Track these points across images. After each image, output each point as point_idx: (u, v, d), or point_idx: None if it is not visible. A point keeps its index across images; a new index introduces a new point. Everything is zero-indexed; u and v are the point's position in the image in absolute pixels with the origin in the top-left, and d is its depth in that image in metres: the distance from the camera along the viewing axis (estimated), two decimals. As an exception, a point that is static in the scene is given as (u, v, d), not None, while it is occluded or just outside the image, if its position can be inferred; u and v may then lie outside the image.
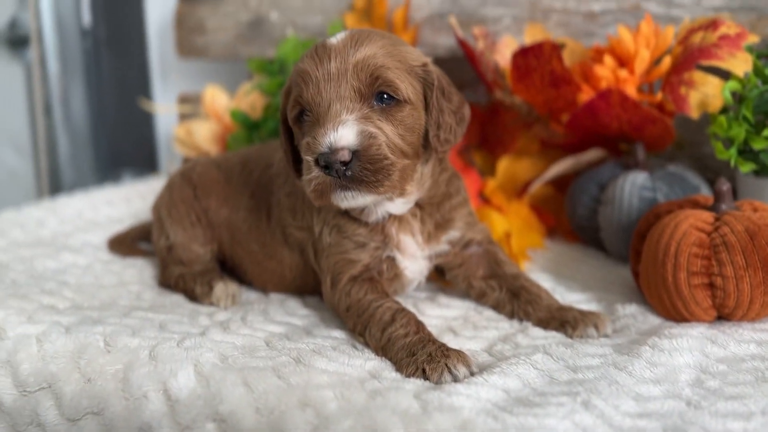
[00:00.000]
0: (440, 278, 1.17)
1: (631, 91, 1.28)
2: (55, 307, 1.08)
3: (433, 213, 1.05)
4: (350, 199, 0.91)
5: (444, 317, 1.06)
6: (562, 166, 1.38)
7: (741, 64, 1.19)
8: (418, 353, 0.87)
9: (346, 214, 1.03)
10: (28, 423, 0.91)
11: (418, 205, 1.04)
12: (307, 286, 1.15)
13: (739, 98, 1.19)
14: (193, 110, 1.99)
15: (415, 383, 0.83)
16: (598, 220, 1.30)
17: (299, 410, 0.76)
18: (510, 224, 1.36)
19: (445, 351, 0.87)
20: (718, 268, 0.95)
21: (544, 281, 1.17)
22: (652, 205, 1.21)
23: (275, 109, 1.63)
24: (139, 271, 1.30)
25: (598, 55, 1.34)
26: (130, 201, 1.76)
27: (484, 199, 1.44)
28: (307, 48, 1.63)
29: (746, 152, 1.19)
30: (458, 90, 1.05)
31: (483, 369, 0.86)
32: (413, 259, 1.05)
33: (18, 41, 2.32)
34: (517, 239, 1.33)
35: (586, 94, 1.31)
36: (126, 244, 1.42)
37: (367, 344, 0.95)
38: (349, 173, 0.88)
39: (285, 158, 1.06)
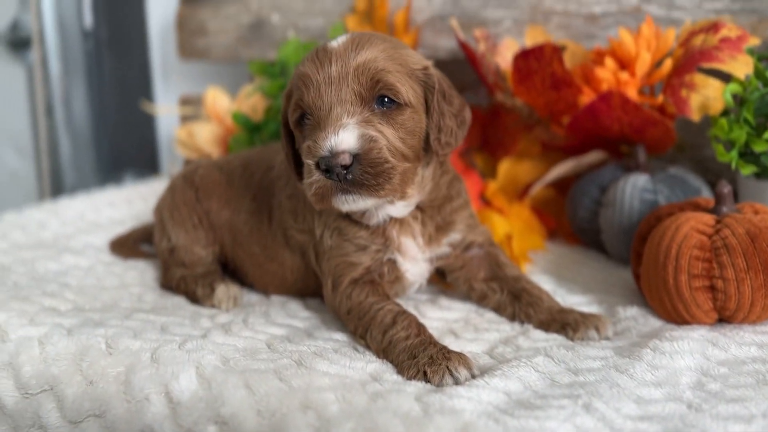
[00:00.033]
0: (441, 280, 1.17)
1: (632, 93, 1.28)
2: (56, 309, 1.08)
3: (434, 215, 1.05)
4: (351, 203, 0.91)
5: (445, 319, 1.06)
6: (563, 169, 1.38)
7: (742, 67, 1.20)
8: (419, 356, 0.87)
9: (347, 216, 1.03)
10: (30, 425, 0.91)
11: (419, 207, 1.04)
12: (308, 289, 1.15)
13: (740, 101, 1.19)
14: (195, 112, 1.99)
15: (416, 386, 0.83)
16: (599, 222, 1.30)
17: (301, 413, 0.76)
18: (511, 226, 1.36)
19: (446, 353, 0.87)
20: (719, 271, 0.95)
21: (545, 283, 1.17)
22: (653, 208, 1.21)
23: (276, 112, 1.63)
24: (140, 273, 1.30)
25: (599, 58, 1.34)
26: (132, 203, 1.76)
27: (485, 201, 1.44)
28: (308, 50, 1.64)
29: (747, 155, 1.19)
30: (459, 92, 1.05)
31: (484, 371, 0.86)
32: (414, 261, 1.05)
33: (20, 43, 2.32)
34: (518, 241, 1.33)
35: (587, 97, 1.31)
36: (128, 245, 1.43)
37: (368, 347, 0.96)
38: (350, 177, 0.89)
39: (286, 161, 1.06)
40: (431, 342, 0.90)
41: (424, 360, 0.86)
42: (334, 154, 0.88)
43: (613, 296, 1.13)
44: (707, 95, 1.21)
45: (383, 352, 0.92)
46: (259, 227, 1.17)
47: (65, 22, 2.21)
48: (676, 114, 1.25)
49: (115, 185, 2.02)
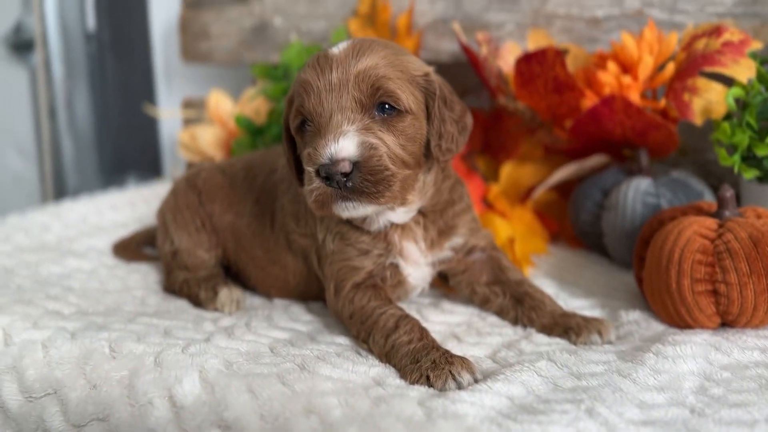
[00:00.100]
0: (444, 284, 1.17)
1: (634, 97, 1.28)
2: (60, 313, 1.08)
3: (436, 220, 1.05)
4: (351, 210, 0.92)
5: (448, 323, 1.06)
6: (565, 172, 1.38)
7: (744, 71, 1.20)
8: (422, 360, 0.87)
9: (349, 221, 1.03)
10: (33, 429, 0.91)
11: (421, 212, 1.04)
12: (310, 292, 1.15)
13: (742, 105, 1.19)
14: (198, 115, 2.00)
15: (419, 390, 0.83)
16: (601, 225, 1.31)
17: (304, 417, 0.76)
18: (513, 230, 1.36)
19: (449, 358, 0.87)
20: (721, 275, 0.95)
21: (547, 287, 1.17)
22: (655, 211, 1.21)
23: (279, 115, 1.63)
24: (143, 276, 1.30)
25: (601, 61, 1.34)
26: (135, 206, 1.77)
27: (488, 205, 1.44)
28: (311, 53, 1.64)
29: (750, 159, 1.19)
30: (461, 96, 1.05)
31: (487, 376, 0.86)
32: (416, 265, 1.05)
33: (23, 45, 2.32)
34: (521, 245, 1.33)
35: (589, 100, 1.31)
36: (130, 249, 1.43)
37: (371, 351, 0.96)
38: (350, 184, 0.89)
39: (288, 166, 1.06)
40: (434, 346, 0.90)
41: (426, 364, 0.86)
42: (334, 161, 0.88)
43: (615, 300, 1.13)
44: (710, 99, 1.22)
45: (386, 357, 0.93)
46: (262, 230, 1.17)
47: (68, 25, 2.21)
48: (679, 118, 1.26)
49: (117, 188, 2.03)
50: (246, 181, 1.22)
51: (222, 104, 1.77)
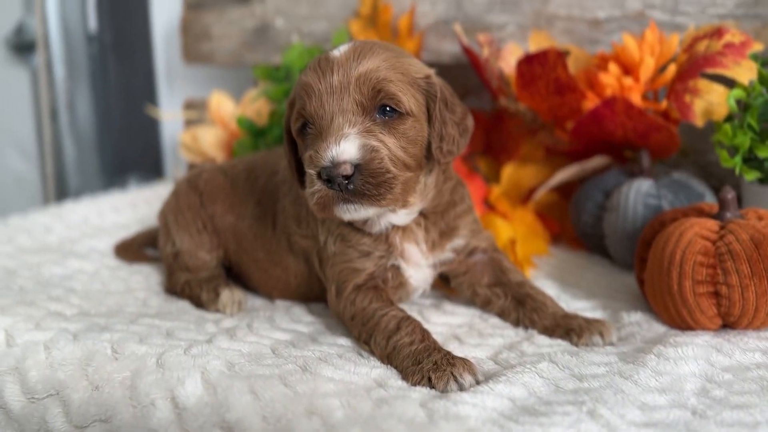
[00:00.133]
0: (445, 286, 1.17)
1: (635, 98, 1.29)
2: (62, 314, 1.09)
3: (437, 221, 1.05)
4: (353, 212, 0.92)
5: (449, 324, 1.07)
6: (566, 173, 1.38)
7: (746, 72, 1.20)
8: (423, 361, 0.88)
9: (350, 223, 1.03)
10: (36, 430, 0.91)
11: (423, 214, 1.04)
12: (312, 294, 1.15)
13: (744, 106, 1.19)
14: (199, 116, 2.00)
15: (421, 392, 0.83)
16: (602, 227, 1.31)
17: (306, 418, 0.76)
18: (515, 231, 1.36)
19: (450, 359, 0.87)
20: (723, 277, 0.95)
21: (548, 288, 1.17)
22: (656, 213, 1.21)
23: (281, 116, 1.63)
24: (145, 278, 1.31)
25: (602, 63, 1.35)
26: (136, 207, 1.77)
27: (489, 206, 1.44)
28: (313, 55, 1.65)
29: (751, 160, 1.19)
30: (462, 97, 1.05)
31: (488, 377, 0.86)
32: (418, 267, 1.05)
33: (24, 47, 2.33)
34: (522, 246, 1.33)
35: (590, 102, 1.31)
36: (132, 250, 1.43)
37: (372, 352, 0.96)
38: (351, 187, 0.89)
39: (289, 168, 1.06)
40: (435, 348, 0.90)
41: (428, 366, 0.87)
42: (336, 164, 0.88)
43: (617, 301, 1.13)
44: (711, 101, 1.22)
45: (387, 358, 0.93)
46: (264, 232, 1.18)
47: (70, 26, 2.22)
48: (680, 119, 1.26)
49: (119, 189, 2.03)
50: (247, 183, 1.22)
51: (223, 105, 1.78)
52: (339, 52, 0.95)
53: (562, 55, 1.29)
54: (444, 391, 0.83)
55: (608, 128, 1.31)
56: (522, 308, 1.06)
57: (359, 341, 0.99)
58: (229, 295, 1.15)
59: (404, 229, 1.04)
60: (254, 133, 1.66)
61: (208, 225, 1.22)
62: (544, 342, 0.99)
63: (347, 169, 0.88)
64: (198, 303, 1.17)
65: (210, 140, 1.77)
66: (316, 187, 0.91)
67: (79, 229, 1.60)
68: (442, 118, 0.98)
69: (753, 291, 0.94)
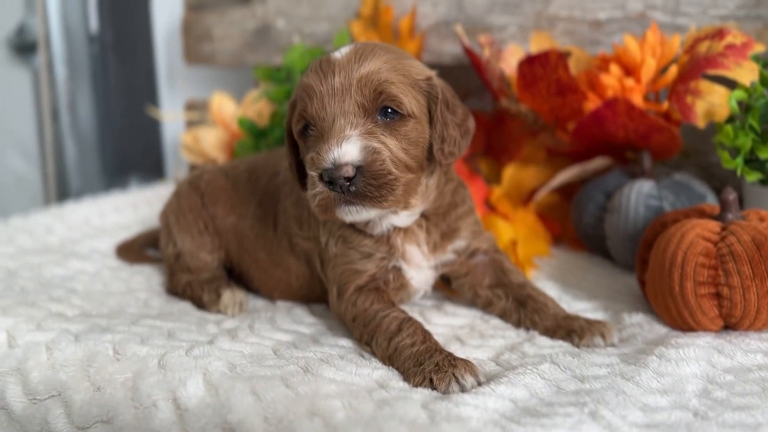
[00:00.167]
0: (446, 287, 1.17)
1: (637, 100, 1.29)
2: (64, 315, 1.09)
3: (438, 223, 1.05)
4: (354, 214, 0.92)
5: (450, 326, 1.07)
6: (568, 174, 1.38)
7: (747, 74, 1.20)
8: (425, 363, 0.88)
9: (352, 225, 1.03)
10: (37, 431, 0.91)
11: (424, 215, 1.04)
12: (313, 295, 1.15)
13: (745, 107, 1.19)
14: (200, 117, 2.00)
15: (422, 393, 0.83)
16: (604, 228, 1.31)
17: (307, 420, 0.76)
18: (516, 232, 1.36)
19: (452, 360, 0.87)
20: (724, 278, 0.95)
21: (550, 289, 1.17)
22: (658, 214, 1.21)
23: (282, 117, 1.64)
24: (146, 278, 1.31)
25: (604, 64, 1.35)
26: (137, 207, 1.77)
27: (490, 207, 1.44)
28: (314, 56, 1.65)
29: (753, 161, 1.19)
30: (464, 98, 1.05)
31: (490, 379, 0.86)
32: (419, 268, 1.05)
33: (26, 47, 2.33)
34: (523, 247, 1.33)
35: (592, 103, 1.31)
36: (133, 251, 1.43)
37: (374, 354, 0.96)
38: (353, 189, 0.89)
39: (290, 170, 1.06)
40: (437, 349, 0.90)
41: (430, 367, 0.87)
42: (337, 166, 0.88)
43: (618, 303, 1.13)
44: (712, 102, 1.22)
45: (389, 359, 0.93)
46: (265, 233, 1.18)
47: (71, 27, 2.22)
48: (682, 120, 1.26)
49: (120, 190, 2.03)
50: (249, 184, 1.22)
51: (225, 106, 1.78)
52: (340, 54, 0.95)
53: (563, 56, 1.29)
54: (445, 392, 0.83)
55: (609, 129, 1.31)
56: (523, 309, 1.06)
57: (361, 342, 0.99)
58: (230, 296, 1.15)
59: (406, 231, 1.04)
60: (255, 134, 1.66)
61: (209, 226, 1.23)
62: (545, 343, 0.99)
63: (349, 171, 0.88)
64: (199, 304, 1.17)
65: (211, 141, 1.77)
66: (317, 189, 0.91)
67: (81, 230, 1.60)
68: (443, 119, 0.98)
69: (754, 292, 0.94)
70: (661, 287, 1.00)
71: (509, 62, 1.47)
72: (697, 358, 0.89)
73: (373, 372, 0.89)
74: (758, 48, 1.22)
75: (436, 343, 0.92)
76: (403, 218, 1.02)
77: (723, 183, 1.42)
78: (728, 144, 1.18)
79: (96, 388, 0.90)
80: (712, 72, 1.22)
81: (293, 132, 1.00)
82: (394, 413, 0.76)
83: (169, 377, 0.87)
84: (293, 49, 1.68)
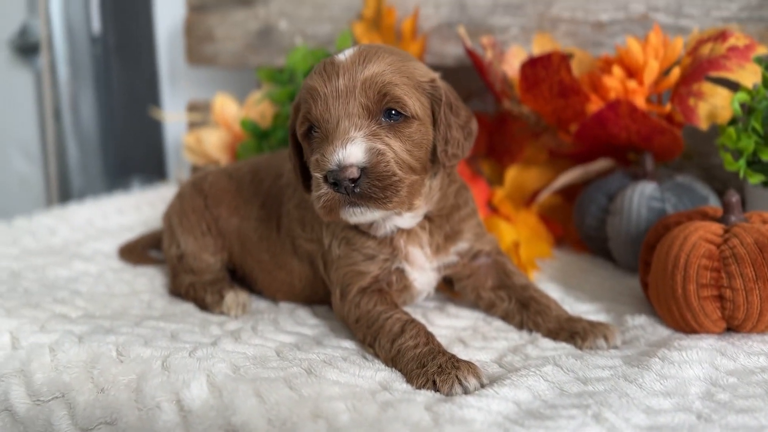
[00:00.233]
0: (449, 289, 1.17)
1: (639, 101, 1.29)
2: (67, 316, 1.09)
3: (442, 225, 1.06)
4: (359, 215, 0.92)
5: (453, 327, 1.07)
6: (570, 176, 1.38)
7: (750, 76, 1.20)
8: (428, 365, 0.88)
9: (355, 226, 1.04)
10: (41, 432, 0.92)
11: (427, 217, 1.05)
12: (316, 296, 1.16)
13: (748, 110, 1.19)
14: (203, 118, 2.00)
15: (425, 395, 0.83)
16: (606, 230, 1.31)
17: (311, 422, 0.77)
18: (518, 234, 1.36)
19: (455, 362, 0.87)
20: (727, 281, 0.95)
21: (552, 291, 1.17)
22: (660, 216, 1.21)
23: (284, 118, 1.64)
24: (149, 280, 1.31)
25: (606, 66, 1.35)
26: (140, 209, 1.77)
27: (492, 209, 1.45)
28: (316, 57, 1.65)
29: (755, 163, 1.19)
30: (466, 99, 1.05)
31: (493, 381, 0.87)
32: (422, 270, 1.05)
33: (28, 48, 2.33)
34: (526, 249, 1.33)
35: (594, 105, 1.31)
36: (136, 252, 1.43)
37: (376, 355, 0.96)
38: (357, 190, 0.89)
39: (293, 172, 1.06)
40: (440, 351, 0.90)
41: (433, 369, 0.87)
42: (342, 167, 0.88)
43: (621, 305, 1.13)
44: (715, 104, 1.22)
45: (392, 361, 0.93)
46: (268, 235, 1.18)
47: (74, 28, 2.22)
48: (684, 122, 1.26)
49: (122, 191, 2.04)
50: (252, 185, 1.23)
51: (227, 107, 1.78)
52: (344, 56, 0.95)
53: (565, 58, 1.29)
54: (449, 394, 0.84)
55: (612, 131, 1.31)
56: (526, 311, 1.06)
57: (364, 344, 0.99)
58: (233, 297, 1.15)
59: (409, 233, 1.04)
60: (258, 136, 1.66)
61: (212, 227, 1.23)
62: (548, 345, 0.99)
63: (354, 173, 0.88)
64: (202, 305, 1.17)
65: (213, 142, 1.78)
66: (322, 191, 0.91)
67: (84, 231, 1.61)
68: (447, 121, 0.98)
69: (757, 294, 0.94)
70: (664, 289, 1.00)
71: (511, 64, 1.47)
72: (700, 361, 0.89)
73: (376, 374, 0.89)
74: (761, 50, 1.22)
75: (439, 345, 0.92)
76: (407, 220, 1.02)
77: (725, 185, 1.42)
78: (731, 146, 1.18)
79: (99, 389, 0.90)
80: (714, 74, 1.22)
81: (297, 134, 1.00)
82: (398, 415, 0.76)
83: (172, 379, 0.87)
84: (296, 50, 1.69)
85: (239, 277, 1.26)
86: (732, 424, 0.75)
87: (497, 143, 1.56)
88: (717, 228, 0.99)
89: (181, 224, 1.24)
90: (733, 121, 1.22)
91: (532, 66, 1.33)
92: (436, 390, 0.85)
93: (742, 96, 1.19)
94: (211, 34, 1.99)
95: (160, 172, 2.34)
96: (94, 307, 1.14)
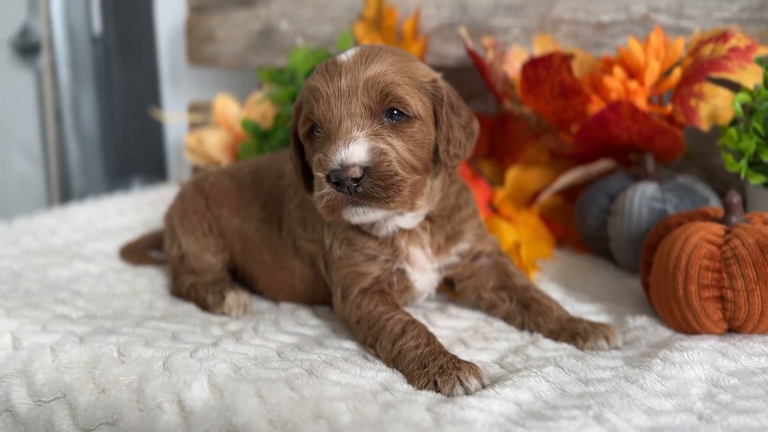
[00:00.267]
0: (450, 290, 1.17)
1: (640, 102, 1.29)
2: (68, 317, 1.09)
3: (443, 225, 1.06)
4: (361, 215, 0.92)
5: (454, 328, 1.07)
6: (571, 177, 1.38)
7: (751, 77, 1.20)
8: (429, 365, 0.88)
9: (356, 227, 1.04)
10: (42, 433, 0.92)
11: (428, 217, 1.05)
12: (317, 297, 1.16)
13: (749, 110, 1.19)
14: (204, 119, 2.00)
15: (427, 396, 0.83)
16: (607, 230, 1.31)
17: (312, 422, 0.77)
18: (519, 234, 1.36)
19: (456, 363, 0.87)
20: (728, 281, 0.95)
21: (553, 292, 1.17)
22: (661, 217, 1.21)
23: (285, 119, 1.64)
24: (150, 280, 1.31)
25: (607, 66, 1.35)
26: (141, 209, 1.77)
27: (493, 209, 1.45)
28: (317, 58, 1.65)
29: (756, 164, 1.19)
30: (467, 100, 1.05)
31: (494, 381, 0.87)
32: (423, 271, 1.05)
33: (29, 48, 2.33)
34: (527, 249, 1.33)
35: (595, 105, 1.31)
36: (137, 252, 1.43)
37: (378, 356, 0.96)
38: (360, 189, 0.89)
39: (295, 173, 1.06)
40: (441, 351, 0.90)
41: (434, 370, 0.87)
42: (345, 167, 0.88)
43: (622, 305, 1.13)
44: (716, 105, 1.22)
45: (393, 362, 0.93)
46: (270, 235, 1.18)
47: (74, 28, 2.22)
48: (685, 123, 1.26)
49: (122, 191, 2.04)
50: (253, 186, 1.23)
51: (228, 108, 1.78)
52: (346, 56, 0.95)
53: (566, 59, 1.29)
54: (450, 395, 0.84)
55: (613, 132, 1.31)
56: (527, 312, 1.06)
57: (365, 345, 0.99)
58: (234, 297, 1.15)
59: (410, 233, 1.04)
60: (259, 136, 1.66)
61: (213, 228, 1.23)
62: (549, 346, 0.99)
63: (356, 172, 0.89)
64: (203, 306, 1.17)
65: (215, 143, 1.78)
66: (324, 190, 0.91)
67: (84, 232, 1.61)
68: (448, 121, 0.98)
69: (758, 295, 0.94)
70: (665, 290, 1.00)
71: (513, 64, 1.47)
72: (701, 362, 0.89)
73: (377, 374, 0.89)
74: (762, 51, 1.22)
75: (440, 346, 0.92)
76: (409, 220, 1.02)
77: (726, 186, 1.42)
78: (732, 147, 1.18)
79: (101, 390, 0.90)
80: (715, 75, 1.22)
81: (299, 134, 1.00)
82: (399, 416, 0.76)
83: (173, 379, 0.87)
84: (297, 51, 1.69)
85: (240, 277, 1.26)
86: (733, 425, 0.75)
87: (498, 144, 1.56)
88: (718, 229, 0.99)
89: (183, 225, 1.24)
90: (734, 122, 1.22)
91: (533, 67, 1.33)
92: (438, 391, 0.85)
93: (743, 97, 1.19)
94: (212, 34, 1.99)
95: (161, 173, 2.34)
96: (95, 308, 1.14)
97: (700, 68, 1.23)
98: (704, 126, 1.23)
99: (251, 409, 0.80)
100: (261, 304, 1.20)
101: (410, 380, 0.88)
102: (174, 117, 2.20)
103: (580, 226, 1.38)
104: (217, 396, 0.83)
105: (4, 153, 2.45)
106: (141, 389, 0.87)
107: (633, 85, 1.28)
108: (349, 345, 1.00)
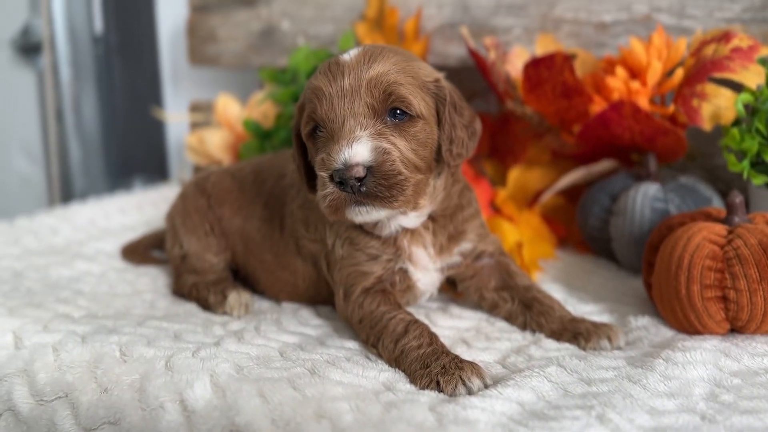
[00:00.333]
0: (452, 289, 1.17)
1: (643, 102, 1.29)
2: (70, 316, 1.09)
3: (445, 225, 1.06)
4: (365, 214, 0.92)
5: (457, 328, 1.07)
6: (573, 177, 1.38)
7: (753, 77, 1.20)
8: (431, 365, 0.88)
9: (359, 226, 1.03)
10: (44, 432, 0.92)
11: (431, 217, 1.04)
12: (319, 297, 1.15)
13: (751, 111, 1.19)
14: (205, 118, 2.00)
15: (429, 395, 0.83)
16: (609, 230, 1.31)
17: (315, 422, 0.76)
18: (521, 234, 1.36)
19: (458, 363, 0.87)
20: (731, 282, 0.95)
21: (555, 292, 1.17)
22: (663, 217, 1.21)
23: (287, 119, 1.64)
24: (152, 280, 1.31)
25: (609, 66, 1.35)
26: (142, 209, 1.77)
27: (495, 209, 1.44)
28: (319, 57, 1.65)
29: (759, 164, 1.19)
30: (469, 100, 1.05)
31: (497, 381, 0.86)
32: (425, 271, 1.05)
33: (30, 48, 2.34)
34: (529, 249, 1.33)
35: (597, 105, 1.31)
36: (139, 252, 1.43)
37: (380, 356, 0.96)
38: (363, 189, 0.89)
39: (297, 173, 1.06)
40: (443, 351, 0.90)
41: (436, 369, 0.87)
42: (348, 166, 0.88)
43: (624, 305, 1.13)
44: (719, 105, 1.22)
45: (395, 362, 0.93)
46: (271, 235, 1.18)
47: (76, 28, 2.22)
48: (687, 123, 1.26)
49: (124, 191, 2.04)
50: (255, 186, 1.23)
51: (230, 108, 1.78)
52: (349, 56, 0.95)
53: (568, 59, 1.29)
54: (452, 395, 0.84)
55: (615, 132, 1.31)
56: (529, 312, 1.06)
57: (367, 344, 0.99)
58: (236, 297, 1.15)
59: (412, 233, 1.04)
60: (260, 136, 1.66)
61: (215, 227, 1.23)
62: (551, 346, 0.99)
63: (360, 171, 0.89)
64: (205, 305, 1.17)
65: (216, 142, 1.78)
66: (328, 190, 0.91)
67: (86, 231, 1.61)
68: (451, 121, 0.98)
69: (761, 295, 0.94)
70: (668, 290, 1.00)
71: (514, 64, 1.47)
72: (704, 362, 0.89)
73: (379, 374, 0.89)
74: (764, 51, 1.22)
75: (442, 346, 0.92)
76: (412, 219, 1.02)
77: (729, 186, 1.42)
78: (734, 147, 1.18)
79: (103, 389, 0.90)
80: (718, 75, 1.22)
81: (302, 134, 1.00)
82: (402, 416, 0.76)
83: (176, 379, 0.87)
84: (298, 50, 1.69)
85: (242, 277, 1.26)
86: (736, 425, 0.75)
87: (500, 144, 1.56)
88: (721, 229, 0.99)
89: (184, 224, 1.24)
90: (736, 122, 1.22)
91: (535, 66, 1.33)
92: (440, 390, 0.85)
93: (745, 97, 1.19)
94: (213, 34, 1.99)
95: (162, 173, 2.34)
96: (96, 307, 1.14)
97: (702, 68, 1.23)
98: (707, 126, 1.23)
99: (253, 409, 0.80)
100: (263, 304, 1.20)
101: (413, 380, 0.88)
102: (175, 117, 2.20)
103: (582, 226, 1.38)
104: (220, 396, 0.83)
105: (5, 153, 2.46)
106: (143, 389, 0.87)
107: (635, 85, 1.28)
108: (352, 345, 1.00)
